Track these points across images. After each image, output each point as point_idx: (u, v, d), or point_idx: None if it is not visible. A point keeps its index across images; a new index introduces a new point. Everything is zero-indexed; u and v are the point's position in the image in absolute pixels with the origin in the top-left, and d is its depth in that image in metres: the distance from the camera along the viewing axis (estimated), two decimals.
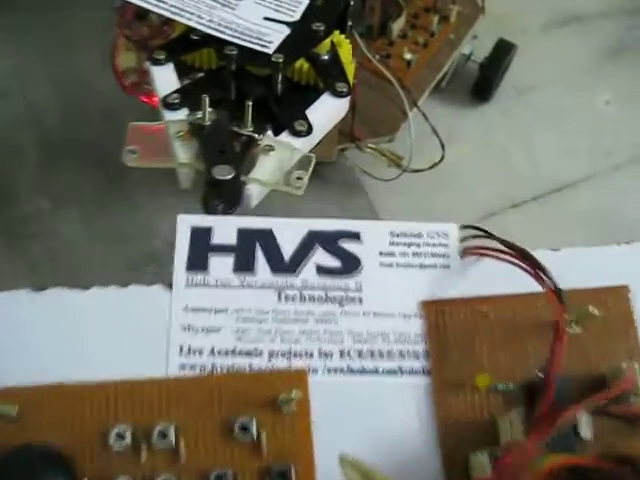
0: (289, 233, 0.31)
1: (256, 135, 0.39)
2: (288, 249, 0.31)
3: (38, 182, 0.74)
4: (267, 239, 0.31)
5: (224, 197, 0.37)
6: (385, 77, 0.68)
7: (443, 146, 0.66)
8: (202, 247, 0.31)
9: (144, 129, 0.39)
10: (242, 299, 0.30)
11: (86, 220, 0.71)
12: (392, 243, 0.31)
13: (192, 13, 0.45)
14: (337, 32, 0.48)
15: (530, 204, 0.75)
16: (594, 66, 0.86)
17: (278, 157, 0.39)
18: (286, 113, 0.43)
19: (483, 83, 0.79)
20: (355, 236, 0.31)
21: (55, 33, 0.83)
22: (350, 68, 0.49)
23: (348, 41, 0.48)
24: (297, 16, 0.47)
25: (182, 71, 0.46)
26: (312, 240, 0.31)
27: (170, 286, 0.30)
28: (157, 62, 0.44)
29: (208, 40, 0.45)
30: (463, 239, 0.32)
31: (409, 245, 0.31)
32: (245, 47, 0.44)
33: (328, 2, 0.48)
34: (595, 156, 0.80)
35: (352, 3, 0.48)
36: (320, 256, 0.31)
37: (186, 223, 0.32)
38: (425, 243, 0.32)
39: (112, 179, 0.73)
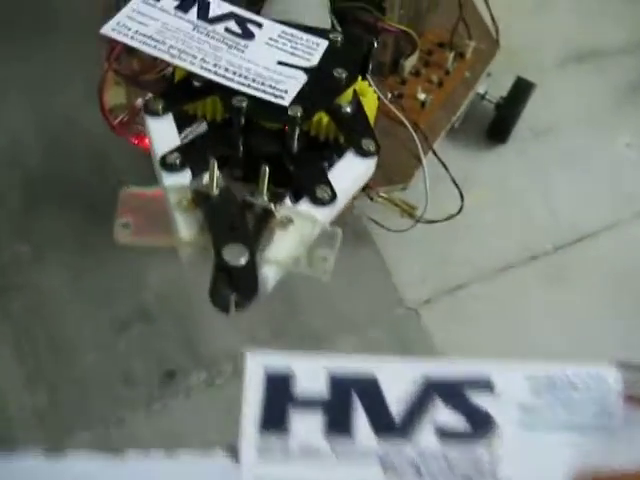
0: (398, 380, 0.24)
1: (272, 206, 0.33)
2: (397, 403, 0.24)
3: (18, 228, 0.68)
4: (369, 389, 0.24)
5: (237, 286, 0.30)
6: (397, 119, 0.63)
7: (462, 197, 0.61)
8: (280, 399, 0.23)
9: (139, 196, 0.33)
10: (336, 473, 0.23)
11: (70, 271, 0.65)
12: (534, 393, 0.24)
13: (194, 56, 0.39)
14: (359, 78, 0.42)
15: (550, 255, 0.70)
16: (613, 105, 0.81)
17: (298, 232, 0.33)
18: (305, 176, 0.37)
19: (500, 124, 0.73)
20: (485, 385, 0.24)
21: (38, 63, 0.77)
22: (373, 116, 0.43)
23: (373, 90, 0.43)
24: (315, 61, 0.40)
25: (183, 121, 0.40)
26: (429, 391, 0.24)
27: (236, 454, 0.22)
28: (154, 113, 0.38)
29: (213, 88, 0.39)
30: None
31: (556, 396, 0.24)
32: (256, 97, 0.38)
33: (349, 44, 0.42)
34: (616, 202, 0.74)
35: (376, 45, 0.42)
36: (440, 413, 0.24)
37: (258, 365, 0.24)
38: (578, 393, 0.24)
39: (97, 225, 0.67)
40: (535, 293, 0.67)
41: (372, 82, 0.59)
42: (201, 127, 0.40)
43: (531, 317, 0.66)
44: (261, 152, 0.38)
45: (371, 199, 0.61)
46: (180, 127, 0.39)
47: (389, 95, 0.64)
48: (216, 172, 0.33)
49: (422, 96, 0.66)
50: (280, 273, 0.33)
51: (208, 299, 0.32)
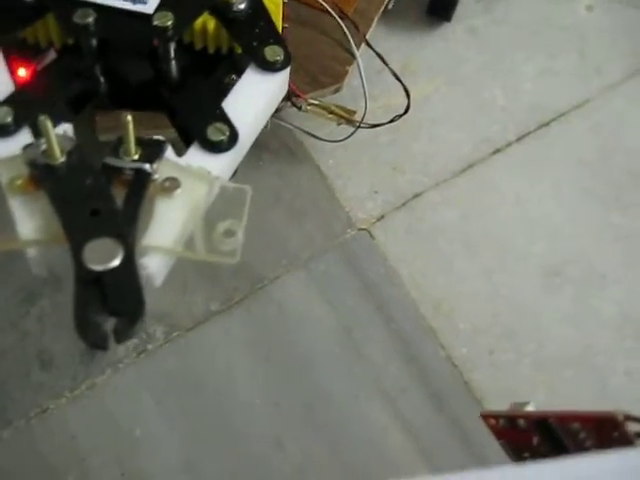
0: None
1: (147, 166, 0.23)
2: None
3: None
4: None
5: (113, 304, 0.20)
6: (318, 5, 0.52)
7: (408, 93, 0.51)
8: None
9: None
10: None
11: None
12: None
13: None
14: None
15: (515, 146, 0.61)
16: None
17: (189, 199, 0.23)
18: (192, 111, 0.26)
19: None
20: None
21: None
22: (279, 11, 0.32)
23: None
24: None
25: (20, 57, 0.28)
26: None
27: None
28: None
29: (49, 3, 0.27)
30: None
31: None
32: (106, 6, 0.27)
33: None
34: (584, 76, 0.65)
35: None
36: None
37: None
38: None
39: None
40: (501, 191, 0.58)
41: None
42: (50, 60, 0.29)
43: (499, 219, 0.57)
44: (129, 82, 0.27)
45: (299, 108, 0.51)
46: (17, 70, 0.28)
47: None
48: (51, 130, 0.22)
49: None
50: (170, 262, 0.23)
51: None
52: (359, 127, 0.53)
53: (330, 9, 0.51)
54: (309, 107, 0.51)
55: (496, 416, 0.29)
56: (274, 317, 0.52)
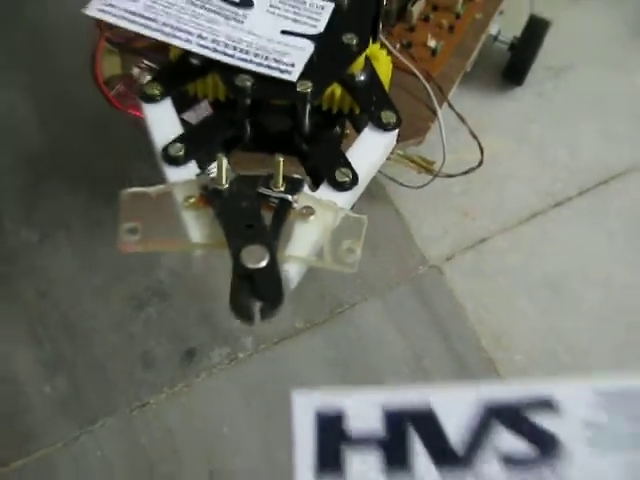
0: (456, 409, 0.22)
1: (289, 197, 0.31)
2: (457, 433, 0.22)
3: (22, 209, 0.65)
4: (426, 421, 0.22)
5: (261, 292, 0.28)
6: (407, 69, 0.59)
7: (482, 150, 0.58)
8: (333, 439, 0.23)
9: (142, 197, 0.30)
10: None
11: (78, 252, 0.63)
12: (602, 408, 0.21)
13: (190, 32, 0.36)
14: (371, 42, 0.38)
15: (575, 200, 0.67)
16: (630, 39, 0.77)
17: (320, 222, 0.30)
18: (322, 158, 0.34)
19: (516, 66, 0.69)
20: (548, 404, 0.22)
21: (25, 34, 0.74)
22: (387, 81, 0.40)
23: (385, 52, 0.39)
24: (321, 26, 0.37)
25: (181, 103, 0.37)
26: (489, 416, 0.22)
27: None
28: (151, 99, 0.35)
29: (213, 65, 0.36)
30: None
31: (628, 411, 0.21)
32: (261, 74, 0.35)
33: (357, 4, 0.38)
34: None
35: (385, 3, 0.39)
36: (503, 439, 0.22)
37: (307, 406, 0.23)
38: None
39: (103, 201, 0.65)
40: (561, 240, 0.64)
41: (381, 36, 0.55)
42: (202, 108, 0.37)
43: (558, 265, 0.63)
44: (270, 132, 0.35)
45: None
46: (179, 110, 0.36)
47: (397, 45, 0.61)
48: (224, 163, 0.30)
49: (432, 43, 0.62)
50: (303, 270, 0.31)
51: (227, 297, 0.30)
52: (436, 176, 0.60)
53: (418, 73, 0.58)
54: (393, 156, 0.58)
55: None
56: (352, 340, 0.59)
